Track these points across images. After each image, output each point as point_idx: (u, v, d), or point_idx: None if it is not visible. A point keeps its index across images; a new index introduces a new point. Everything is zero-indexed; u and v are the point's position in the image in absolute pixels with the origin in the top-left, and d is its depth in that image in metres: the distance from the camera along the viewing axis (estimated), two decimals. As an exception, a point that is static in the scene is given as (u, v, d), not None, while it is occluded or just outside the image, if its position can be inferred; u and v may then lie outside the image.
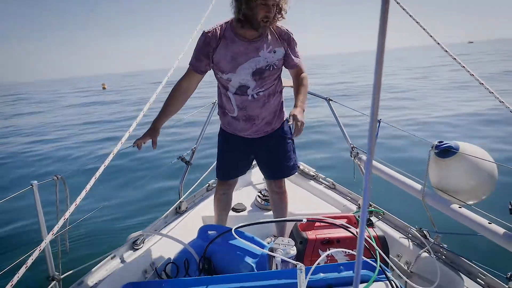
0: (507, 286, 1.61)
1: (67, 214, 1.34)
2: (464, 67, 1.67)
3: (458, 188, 1.90)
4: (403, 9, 1.67)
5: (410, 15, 1.67)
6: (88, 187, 1.36)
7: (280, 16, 1.92)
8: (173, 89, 2.03)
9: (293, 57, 2.07)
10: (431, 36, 1.68)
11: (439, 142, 1.90)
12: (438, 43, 1.67)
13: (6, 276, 1.36)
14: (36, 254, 1.19)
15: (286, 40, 2.02)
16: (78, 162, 6.53)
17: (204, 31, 1.96)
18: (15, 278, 1.14)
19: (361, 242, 0.67)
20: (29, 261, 1.17)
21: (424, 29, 1.67)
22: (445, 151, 1.87)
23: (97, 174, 1.39)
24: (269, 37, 1.97)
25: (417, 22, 1.67)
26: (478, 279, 1.74)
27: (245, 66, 1.96)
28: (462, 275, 1.77)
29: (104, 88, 40.30)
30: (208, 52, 1.95)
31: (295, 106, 2.00)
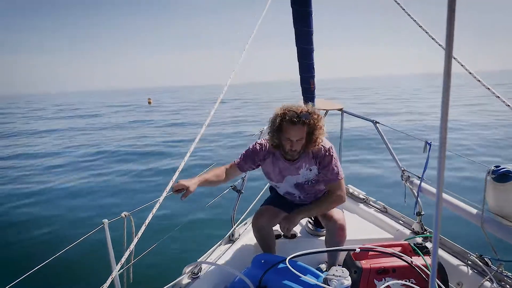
0: None
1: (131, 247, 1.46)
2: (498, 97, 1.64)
3: None
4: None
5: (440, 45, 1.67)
6: (147, 221, 1.49)
7: (314, 144, 2.12)
8: (219, 168, 2.26)
9: (324, 175, 2.23)
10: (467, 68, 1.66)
11: (496, 166, 1.84)
12: (471, 73, 1.65)
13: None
14: (108, 284, 1.31)
15: (319, 159, 2.20)
16: (145, 197, 6.68)
17: (257, 141, 2.30)
18: None
19: (433, 280, 0.67)
20: None
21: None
22: (503, 176, 1.81)
23: (154, 210, 1.51)
24: (307, 156, 2.21)
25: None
26: None
27: (289, 179, 2.29)
28: None
29: (150, 103, 39.47)
30: (254, 159, 2.28)
31: (298, 210, 2.22)
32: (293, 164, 2.23)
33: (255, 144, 2.29)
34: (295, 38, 2.92)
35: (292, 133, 2.04)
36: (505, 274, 1.90)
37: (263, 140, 2.30)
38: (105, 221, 1.58)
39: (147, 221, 1.50)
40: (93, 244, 3.38)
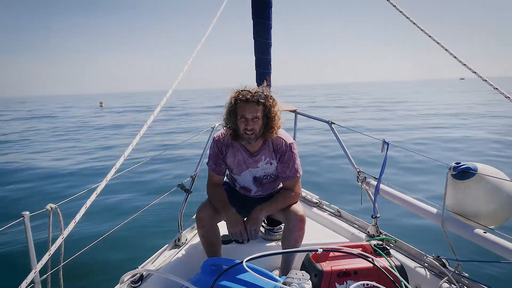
0: None
1: (53, 249, 1.20)
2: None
3: (478, 211, 1.79)
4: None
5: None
6: (77, 217, 1.25)
7: (272, 130, 2.02)
8: (210, 196, 2.18)
9: (282, 172, 2.14)
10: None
11: (457, 163, 1.81)
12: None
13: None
14: None
15: (280, 153, 2.11)
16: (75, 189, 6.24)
17: (214, 138, 2.20)
18: None
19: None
20: None
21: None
22: (463, 173, 1.78)
23: (88, 203, 1.28)
24: (267, 149, 2.12)
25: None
26: None
27: (247, 173, 2.19)
28: None
29: (101, 106, 44.02)
30: (223, 157, 2.19)
31: (259, 207, 2.07)
32: (253, 156, 2.13)
33: (213, 142, 2.21)
34: (254, 31, 2.79)
35: (246, 109, 1.95)
36: (463, 274, 1.85)
37: (220, 135, 2.20)
38: (26, 213, 1.28)
39: (77, 216, 1.24)
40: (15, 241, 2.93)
